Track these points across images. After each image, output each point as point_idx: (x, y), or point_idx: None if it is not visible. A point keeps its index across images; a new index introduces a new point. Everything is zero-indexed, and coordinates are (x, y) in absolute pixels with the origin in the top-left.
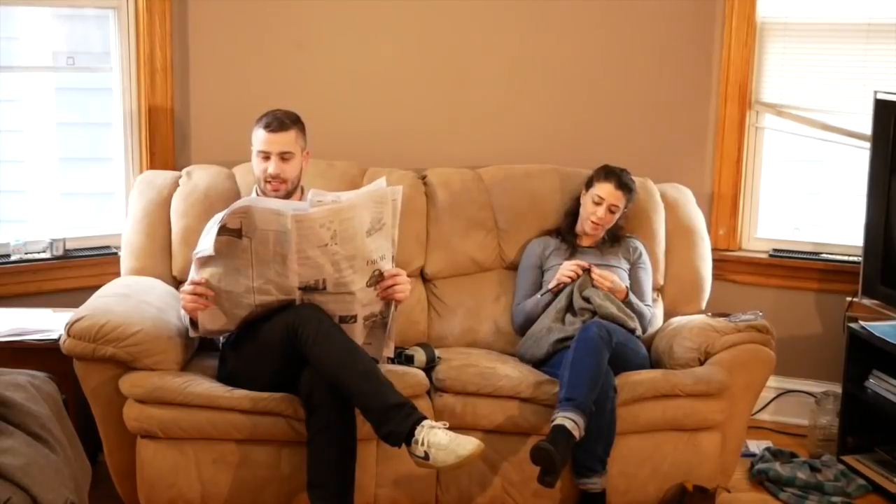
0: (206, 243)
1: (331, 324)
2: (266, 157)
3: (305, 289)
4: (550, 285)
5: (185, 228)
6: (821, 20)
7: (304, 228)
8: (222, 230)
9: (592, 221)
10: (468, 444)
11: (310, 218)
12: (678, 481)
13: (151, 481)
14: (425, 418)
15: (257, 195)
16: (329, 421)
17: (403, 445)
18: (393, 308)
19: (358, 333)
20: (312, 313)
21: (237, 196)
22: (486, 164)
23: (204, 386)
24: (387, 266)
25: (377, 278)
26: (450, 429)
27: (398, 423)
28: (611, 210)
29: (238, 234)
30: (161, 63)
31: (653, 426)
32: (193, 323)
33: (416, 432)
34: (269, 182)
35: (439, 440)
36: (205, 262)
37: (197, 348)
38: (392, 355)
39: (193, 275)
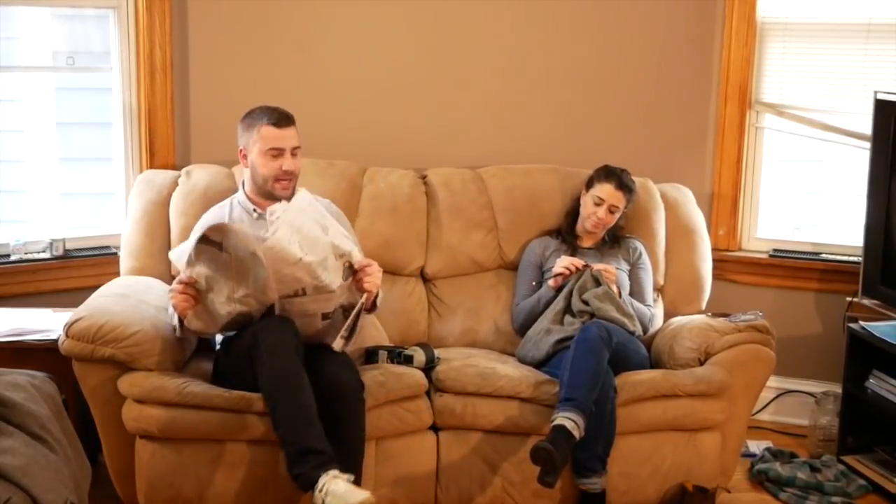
0: (184, 252)
1: (287, 346)
2: (278, 153)
3: (286, 297)
4: (550, 282)
5: (185, 228)
6: (821, 20)
7: (275, 253)
8: (204, 240)
9: (593, 222)
10: (360, 495)
11: (278, 241)
12: (678, 481)
13: (150, 481)
14: (336, 468)
15: (239, 204)
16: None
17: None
18: (361, 299)
19: (338, 323)
20: (275, 330)
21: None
22: (487, 164)
23: (202, 386)
24: (357, 256)
25: (350, 271)
26: (448, 428)
27: (311, 469)
28: (611, 210)
29: (220, 247)
30: (161, 63)
31: (653, 426)
32: (181, 321)
33: (321, 479)
34: (281, 180)
35: (336, 489)
36: (192, 262)
37: (195, 349)
38: (340, 350)
39: (182, 275)
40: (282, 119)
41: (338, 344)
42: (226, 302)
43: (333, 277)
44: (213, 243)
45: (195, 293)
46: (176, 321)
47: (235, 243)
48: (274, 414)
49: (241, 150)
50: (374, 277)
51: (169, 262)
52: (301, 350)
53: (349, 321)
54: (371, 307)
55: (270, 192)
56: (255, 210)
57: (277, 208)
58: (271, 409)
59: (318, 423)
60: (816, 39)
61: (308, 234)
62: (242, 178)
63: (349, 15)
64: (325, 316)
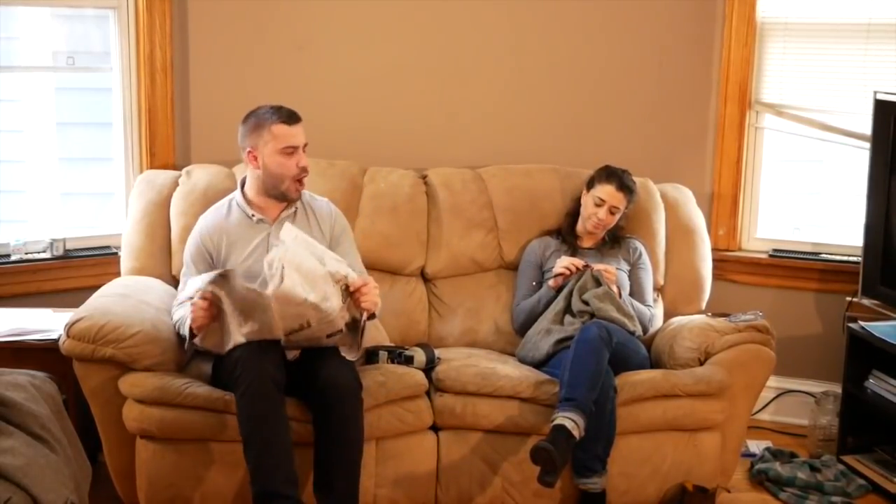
0: (195, 286)
1: (263, 387)
2: (293, 151)
3: (292, 331)
4: (550, 282)
5: (185, 228)
6: (821, 20)
7: (283, 300)
8: (212, 281)
9: (594, 222)
10: None
11: (285, 288)
12: (678, 481)
13: (151, 481)
14: None
15: (237, 206)
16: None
17: None
18: (363, 316)
19: (345, 336)
20: (252, 368)
21: None
22: (487, 164)
23: (203, 388)
24: (352, 276)
25: (347, 292)
26: (448, 428)
27: None
28: (611, 212)
29: (228, 284)
30: (161, 63)
31: (653, 426)
32: (193, 335)
33: None
34: (297, 179)
35: None
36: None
37: (195, 350)
38: (354, 358)
39: (191, 290)
40: (291, 116)
41: (349, 355)
42: (236, 331)
43: (334, 303)
44: (221, 281)
45: (215, 311)
46: (186, 332)
47: (235, 288)
48: (245, 451)
49: (249, 152)
50: (370, 296)
51: (169, 263)
52: (282, 382)
53: (358, 338)
54: (371, 316)
55: (285, 193)
56: (253, 215)
57: (275, 258)
58: (244, 446)
59: (289, 464)
60: (816, 39)
61: (308, 272)
62: (241, 178)
63: (349, 15)
64: (329, 335)
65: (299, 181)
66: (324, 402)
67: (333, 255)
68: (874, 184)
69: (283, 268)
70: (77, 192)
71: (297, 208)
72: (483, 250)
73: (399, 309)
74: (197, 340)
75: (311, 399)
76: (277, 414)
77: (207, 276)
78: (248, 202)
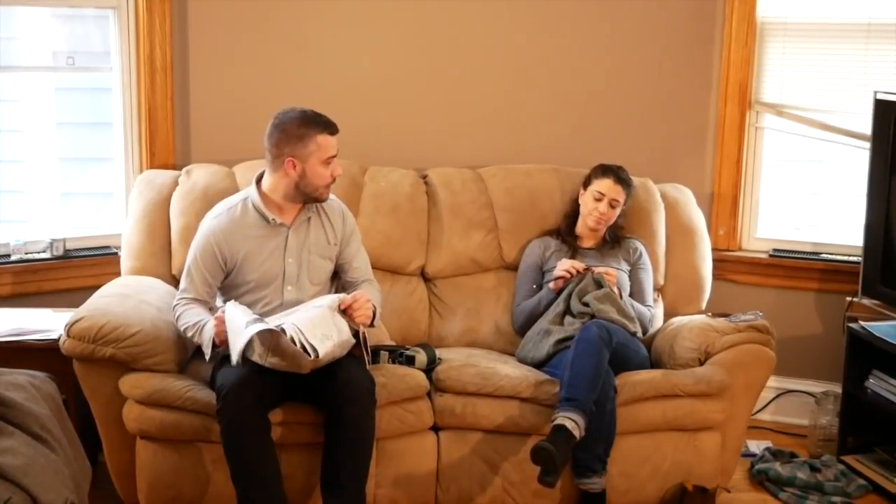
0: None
1: (246, 417)
2: (330, 161)
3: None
4: (550, 285)
5: (185, 227)
6: (821, 20)
7: (324, 362)
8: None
9: (595, 217)
10: None
11: (324, 355)
12: (678, 481)
13: (151, 481)
14: None
15: (254, 208)
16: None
17: None
18: (361, 329)
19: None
20: (234, 399)
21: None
22: (487, 164)
23: (204, 392)
24: (340, 297)
25: (341, 311)
26: (448, 428)
27: None
28: (612, 205)
29: (270, 336)
30: (161, 62)
31: (653, 426)
32: (216, 347)
33: None
34: (328, 187)
35: None
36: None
37: (195, 350)
38: (368, 363)
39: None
40: (332, 126)
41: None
42: (257, 356)
43: (346, 329)
44: (268, 337)
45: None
46: (209, 349)
47: (281, 344)
48: (233, 480)
49: (289, 160)
50: (362, 310)
51: (169, 263)
52: (266, 405)
53: (362, 349)
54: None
55: (317, 197)
56: (274, 219)
57: (292, 336)
58: (231, 475)
59: (278, 493)
60: (816, 39)
61: (324, 325)
62: (255, 178)
63: (349, 14)
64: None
65: (328, 186)
66: (338, 401)
67: (323, 296)
68: (874, 184)
69: (305, 340)
70: (77, 192)
71: (311, 213)
72: (483, 250)
73: (399, 308)
74: (220, 351)
75: (324, 399)
76: (262, 443)
77: (255, 328)
78: (267, 205)
